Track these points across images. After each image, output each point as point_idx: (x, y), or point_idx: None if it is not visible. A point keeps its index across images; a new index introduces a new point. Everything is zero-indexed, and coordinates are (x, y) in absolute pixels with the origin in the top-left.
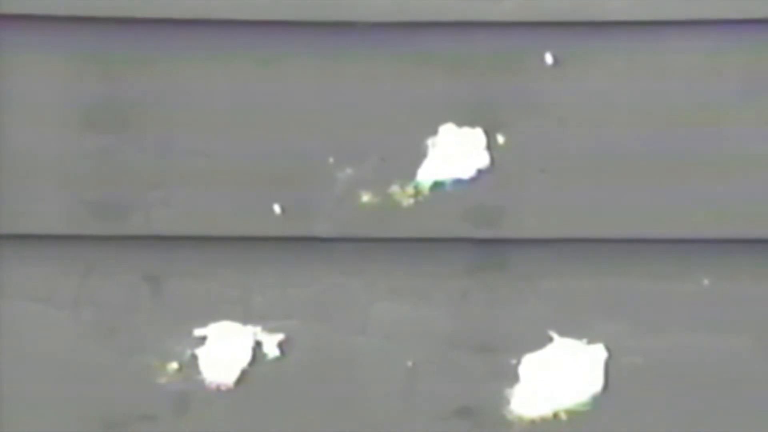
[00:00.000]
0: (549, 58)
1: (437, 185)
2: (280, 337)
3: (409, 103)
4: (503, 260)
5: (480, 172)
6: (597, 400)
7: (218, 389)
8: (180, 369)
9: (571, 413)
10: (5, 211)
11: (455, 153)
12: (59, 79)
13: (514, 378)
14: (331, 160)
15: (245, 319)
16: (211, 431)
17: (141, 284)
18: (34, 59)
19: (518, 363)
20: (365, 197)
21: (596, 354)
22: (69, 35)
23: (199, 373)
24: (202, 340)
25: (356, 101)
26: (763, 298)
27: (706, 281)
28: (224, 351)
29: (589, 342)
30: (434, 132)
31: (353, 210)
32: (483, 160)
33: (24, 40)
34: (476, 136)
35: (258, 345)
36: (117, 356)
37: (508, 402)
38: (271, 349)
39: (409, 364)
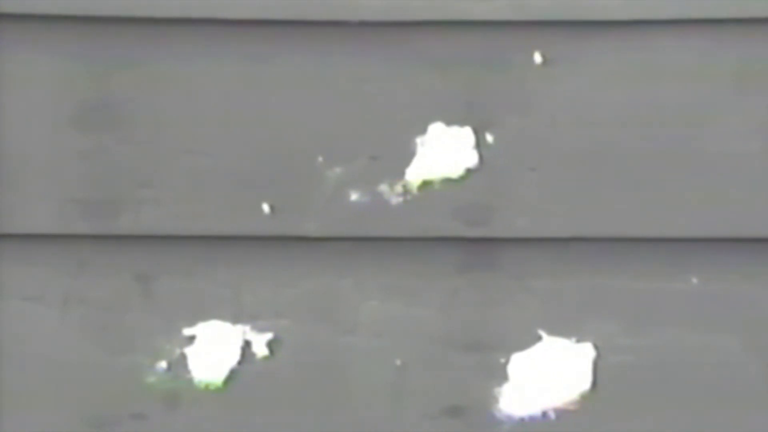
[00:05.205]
0: (538, 57)
1: (426, 184)
2: (269, 336)
3: (398, 102)
4: (493, 259)
5: (469, 171)
6: (586, 399)
7: (207, 388)
8: (169, 368)
9: (560, 412)
10: None
11: (444, 152)
12: (50, 79)
13: (503, 377)
14: (320, 158)
15: (234, 318)
16: (200, 430)
17: (131, 283)
18: (24, 59)
19: (507, 362)
20: (354, 196)
21: (585, 353)
22: (60, 35)
23: (188, 372)
24: (192, 339)
25: (345, 100)
26: (751, 297)
27: (694, 280)
28: (213, 350)
29: (578, 341)
30: (423, 131)
31: (342, 209)
32: (472, 159)
33: (14, 40)
34: (465, 134)
35: (247, 344)
36: (107, 355)
37: (497, 401)
38: (260, 349)
39: (399, 363)
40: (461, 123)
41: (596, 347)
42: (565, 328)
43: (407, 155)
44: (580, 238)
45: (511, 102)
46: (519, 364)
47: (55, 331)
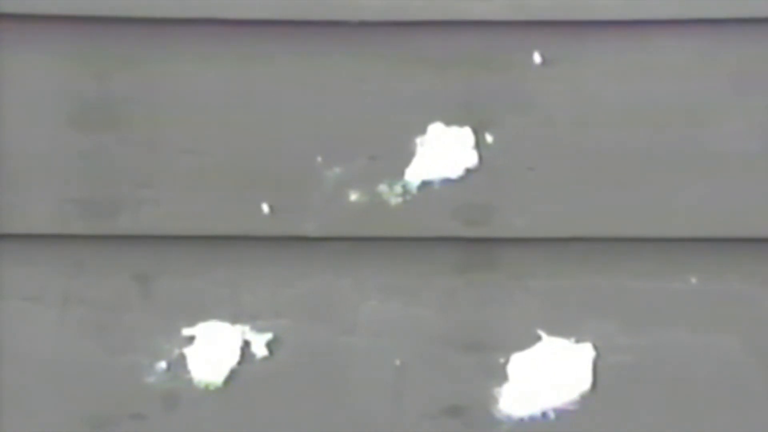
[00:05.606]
0: (537, 57)
1: (426, 184)
2: (268, 336)
3: (397, 102)
4: (492, 259)
5: (468, 171)
6: (585, 399)
7: (207, 388)
8: (169, 368)
9: (560, 412)
10: None
11: (444, 152)
12: (50, 79)
13: (502, 377)
14: (319, 159)
15: (234, 318)
16: (200, 430)
17: (130, 283)
18: (24, 59)
19: (507, 362)
20: (354, 196)
21: (584, 353)
22: (60, 35)
23: (187, 372)
24: (191, 339)
25: (345, 100)
26: (750, 297)
27: (693, 280)
28: (213, 350)
29: (578, 341)
30: (423, 131)
31: (342, 209)
32: (471, 159)
33: (14, 40)
34: (465, 135)
35: (246, 344)
36: (106, 355)
37: (496, 401)
38: (259, 349)
39: (398, 363)
40: (461, 123)
41: (596, 347)
42: (565, 328)
43: (407, 155)
44: (579, 238)
45: (511, 102)
46: (518, 364)
47: (55, 331)
